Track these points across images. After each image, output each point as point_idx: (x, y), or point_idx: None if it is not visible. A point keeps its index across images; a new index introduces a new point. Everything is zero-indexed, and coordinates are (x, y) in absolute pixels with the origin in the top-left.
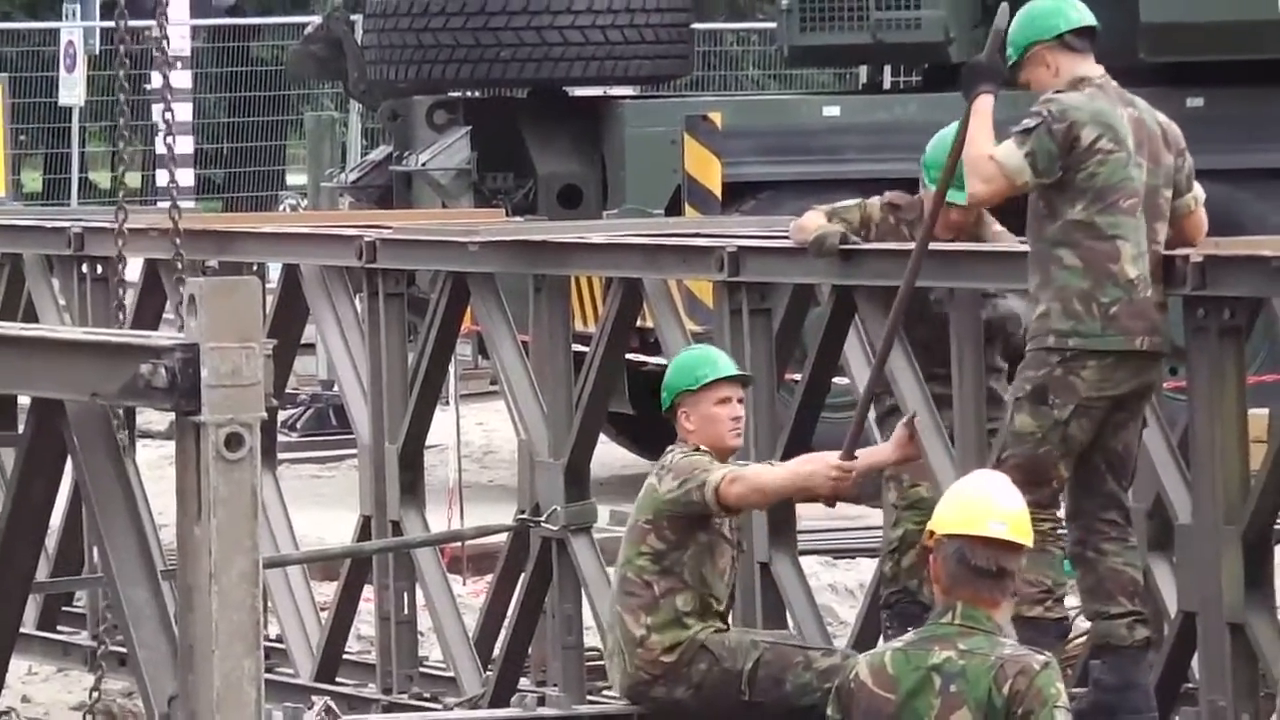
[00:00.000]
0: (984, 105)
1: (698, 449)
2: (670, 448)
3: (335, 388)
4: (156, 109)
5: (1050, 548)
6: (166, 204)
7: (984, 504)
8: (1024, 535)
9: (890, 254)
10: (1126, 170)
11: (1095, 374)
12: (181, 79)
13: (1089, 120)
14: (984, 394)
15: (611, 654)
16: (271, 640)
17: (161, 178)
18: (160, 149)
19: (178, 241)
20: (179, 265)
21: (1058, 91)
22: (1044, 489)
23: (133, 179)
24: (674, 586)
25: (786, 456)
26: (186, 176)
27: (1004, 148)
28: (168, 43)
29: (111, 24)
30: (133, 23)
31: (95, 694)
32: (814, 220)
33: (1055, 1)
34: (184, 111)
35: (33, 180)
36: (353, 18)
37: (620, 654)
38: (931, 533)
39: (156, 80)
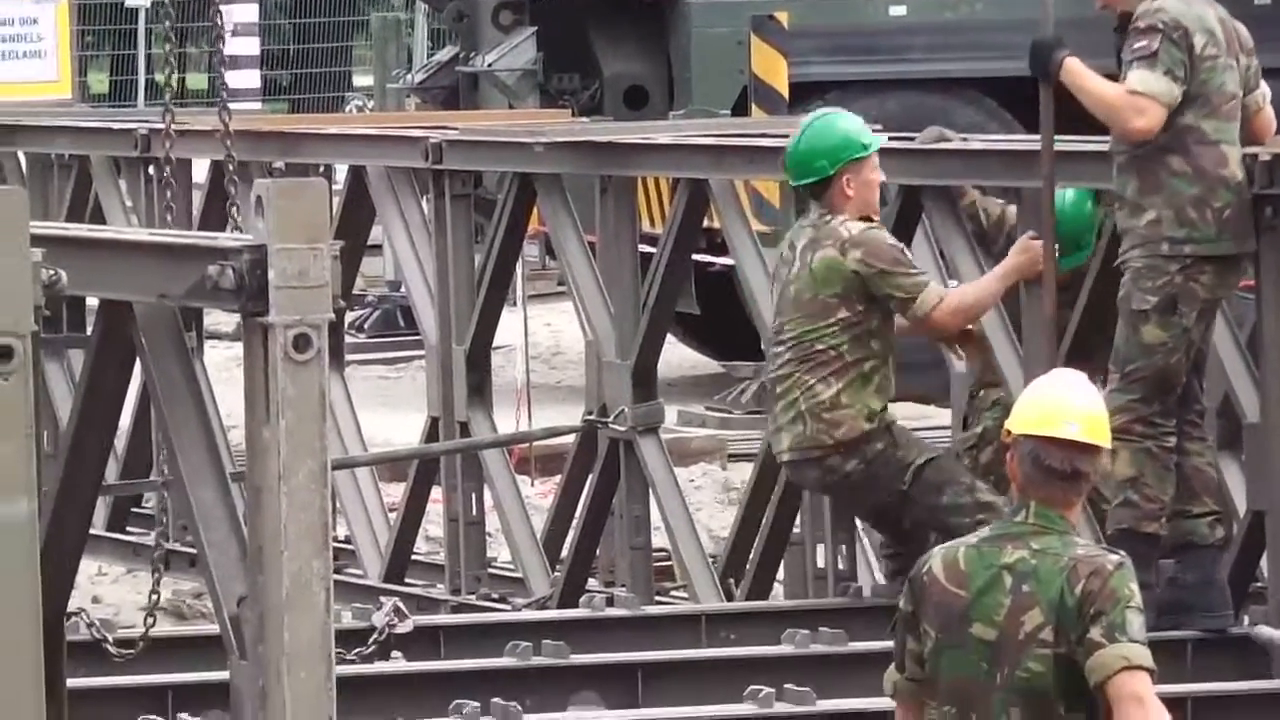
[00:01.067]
0: (1075, 67)
1: (865, 219)
2: (824, 214)
3: (402, 289)
4: (222, 9)
5: (1168, 461)
6: (231, 106)
7: (1061, 405)
8: (1101, 437)
9: (957, 154)
10: (1225, 75)
11: (1212, 278)
12: None
13: (1197, 27)
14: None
15: (785, 419)
16: (340, 541)
17: (228, 80)
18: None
19: (228, 143)
20: (229, 167)
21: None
22: (1169, 397)
23: (198, 80)
24: (864, 356)
25: None
26: (252, 78)
27: (1140, 77)
28: None
29: None
30: None
31: (154, 595)
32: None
33: None
34: (249, 13)
35: (99, 82)
36: None
37: (802, 418)
38: (1009, 431)
39: None
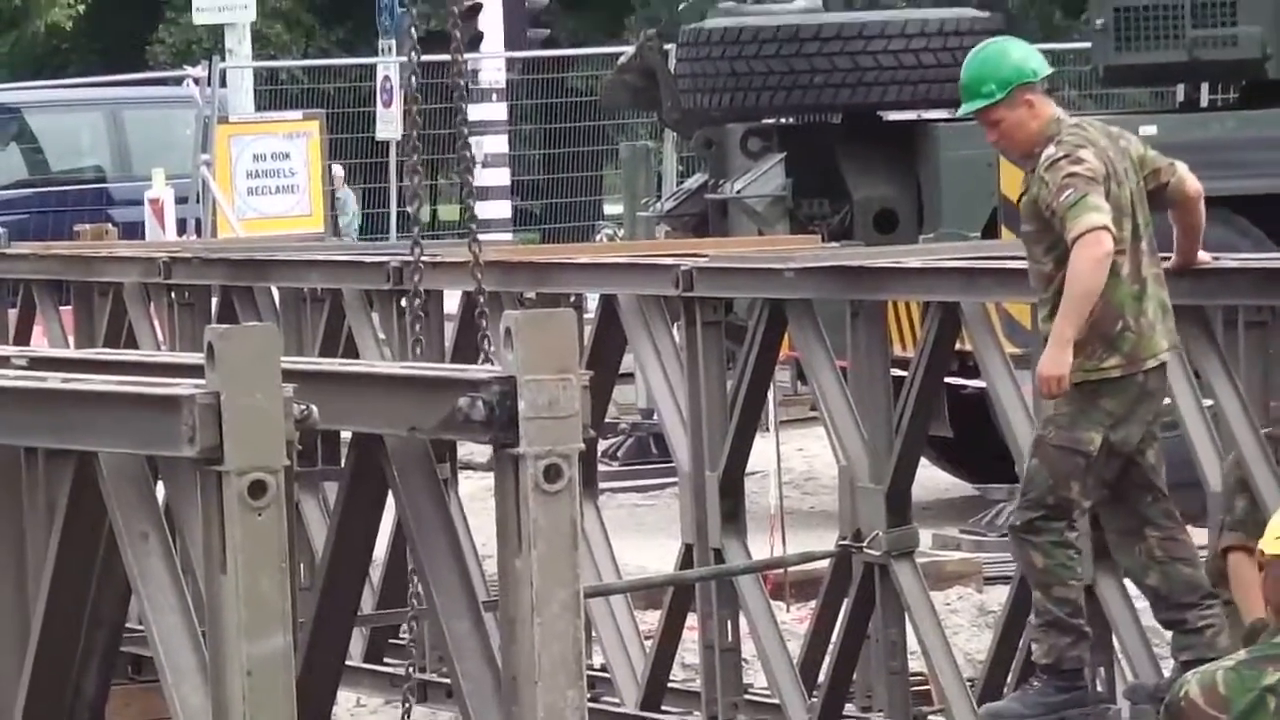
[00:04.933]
0: None
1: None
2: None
3: (655, 416)
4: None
5: None
6: (482, 236)
7: None
8: None
9: (1209, 272)
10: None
11: None
12: (497, 111)
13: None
14: None
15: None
16: (596, 670)
17: (479, 211)
18: (477, 181)
19: (478, 275)
20: (481, 298)
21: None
22: None
23: (450, 211)
24: None
25: None
26: (503, 208)
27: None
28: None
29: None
30: (438, 57)
31: None
32: None
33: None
34: (499, 143)
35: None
36: (666, 46)
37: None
38: (1262, 551)
39: (471, 113)
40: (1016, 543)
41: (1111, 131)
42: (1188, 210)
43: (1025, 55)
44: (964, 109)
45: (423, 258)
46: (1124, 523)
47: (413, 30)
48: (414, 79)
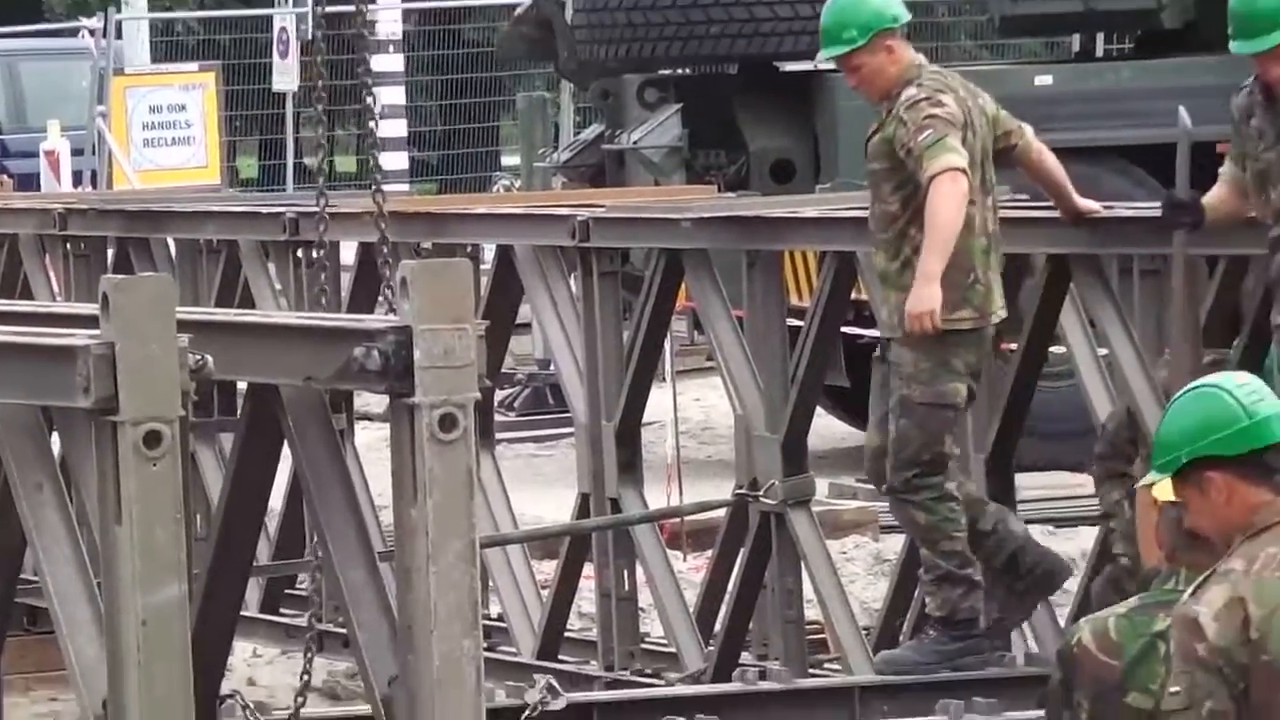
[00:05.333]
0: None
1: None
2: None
3: (552, 366)
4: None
5: None
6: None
7: None
8: None
9: (1103, 222)
10: None
11: None
12: (394, 62)
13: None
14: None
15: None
16: (493, 619)
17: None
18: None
19: (382, 226)
20: (384, 248)
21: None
22: None
23: (347, 163)
24: None
25: (1004, 427)
26: (400, 160)
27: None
28: (366, 26)
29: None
30: (338, 8)
31: (305, 676)
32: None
33: None
34: (396, 95)
35: (248, 167)
36: None
37: None
38: (1155, 498)
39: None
40: (896, 503)
41: (970, 86)
42: (1040, 170)
43: (885, 1)
44: (824, 54)
45: (326, 209)
46: None
47: None
48: (320, 31)
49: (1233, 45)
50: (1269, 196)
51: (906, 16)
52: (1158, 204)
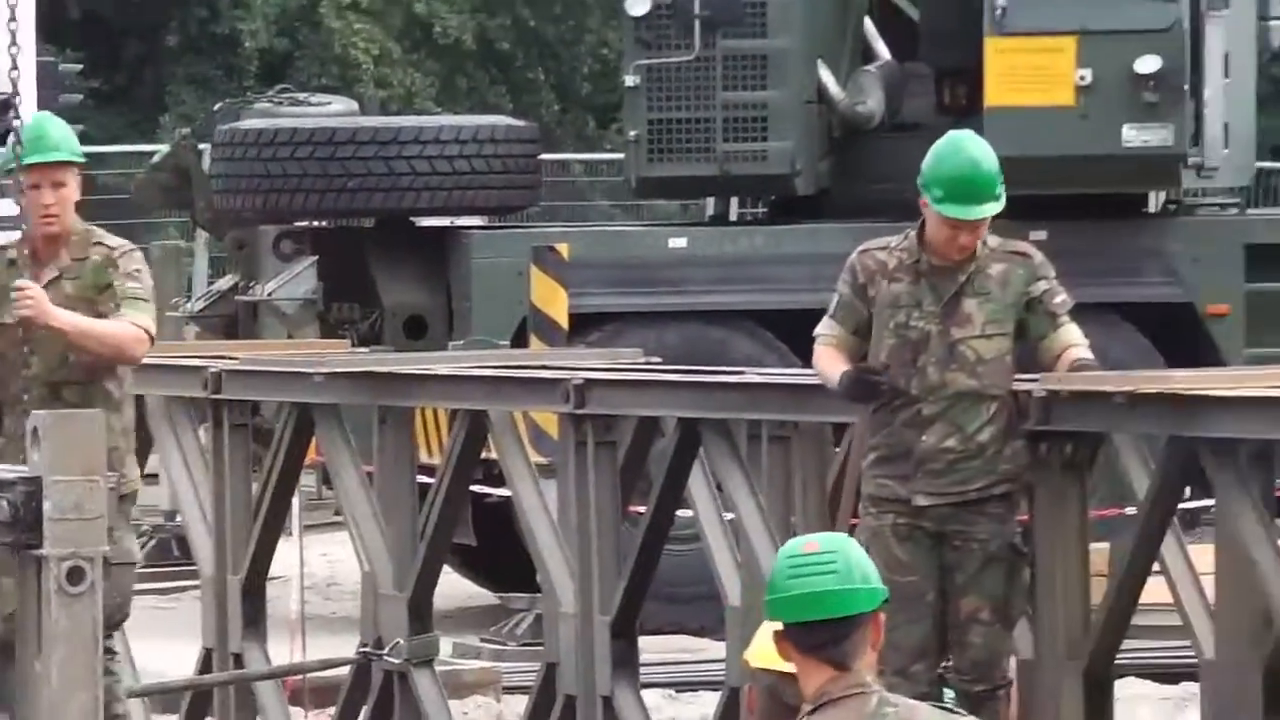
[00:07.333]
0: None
1: None
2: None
3: (179, 518)
4: None
5: None
6: None
7: None
8: None
9: (736, 387)
10: None
11: None
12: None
13: None
14: None
15: None
16: None
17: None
18: None
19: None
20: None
21: None
22: None
23: None
24: None
25: (631, 592)
26: None
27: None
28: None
29: None
30: None
31: None
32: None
33: None
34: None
35: None
36: (201, 146)
37: None
38: (747, 663)
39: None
40: None
41: None
42: None
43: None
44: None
45: None
46: None
47: None
48: None
49: (951, 210)
50: (919, 365)
51: None
52: (787, 370)
